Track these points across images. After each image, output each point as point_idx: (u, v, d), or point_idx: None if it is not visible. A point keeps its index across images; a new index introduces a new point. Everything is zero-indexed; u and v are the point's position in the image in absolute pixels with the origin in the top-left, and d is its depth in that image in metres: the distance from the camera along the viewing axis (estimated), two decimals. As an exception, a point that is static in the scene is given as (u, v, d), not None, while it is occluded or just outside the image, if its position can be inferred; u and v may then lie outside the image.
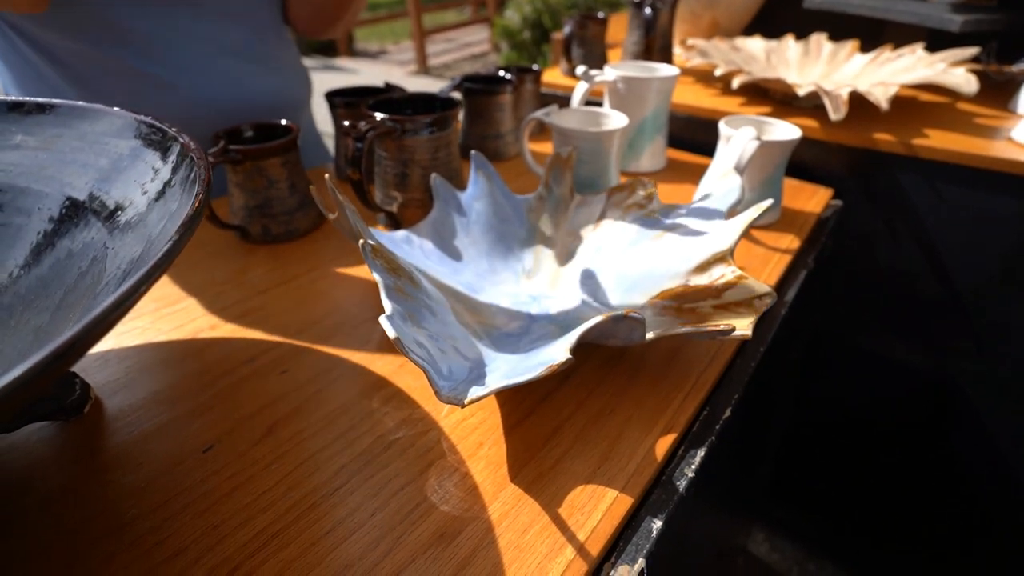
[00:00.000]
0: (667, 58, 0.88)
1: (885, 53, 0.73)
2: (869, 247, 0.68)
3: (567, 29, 0.82)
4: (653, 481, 0.28)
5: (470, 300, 0.38)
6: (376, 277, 0.27)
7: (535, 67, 0.73)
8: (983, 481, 0.72)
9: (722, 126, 0.50)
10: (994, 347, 0.65)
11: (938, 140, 0.59)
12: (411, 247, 0.41)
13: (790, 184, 0.60)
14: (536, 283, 0.41)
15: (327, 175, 0.33)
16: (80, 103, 0.29)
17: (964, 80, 0.58)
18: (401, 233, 0.42)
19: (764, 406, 0.51)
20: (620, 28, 1.21)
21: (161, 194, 0.24)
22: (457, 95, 0.59)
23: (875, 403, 0.77)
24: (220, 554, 0.23)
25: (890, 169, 0.62)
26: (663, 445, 0.29)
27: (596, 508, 0.26)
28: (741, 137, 0.46)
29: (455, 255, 0.42)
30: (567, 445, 0.29)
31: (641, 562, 0.24)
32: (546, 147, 0.70)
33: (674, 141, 0.73)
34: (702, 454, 0.30)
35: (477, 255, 0.42)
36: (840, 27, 0.88)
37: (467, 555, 0.24)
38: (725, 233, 0.36)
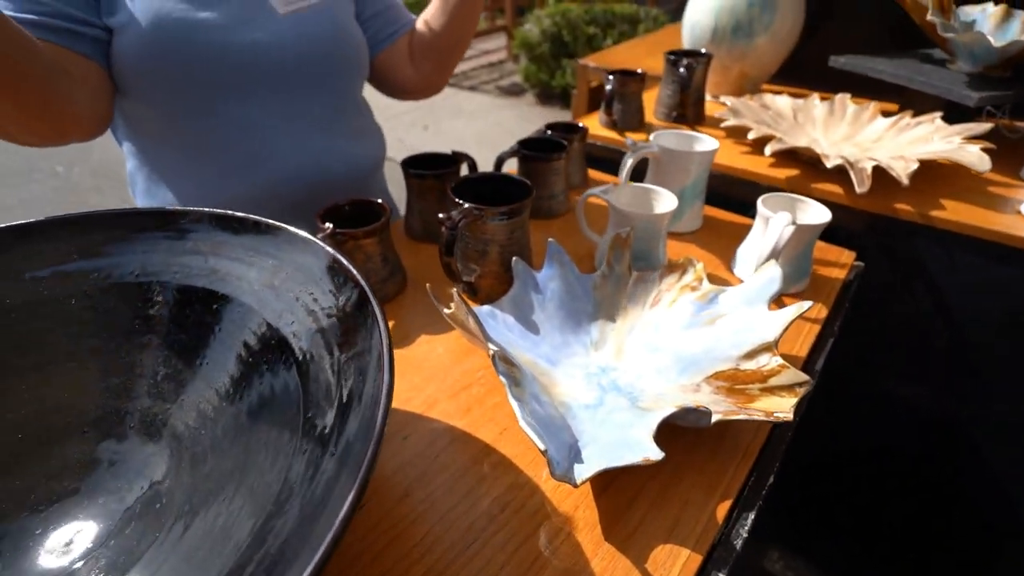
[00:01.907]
0: (700, 111, 0.95)
1: (905, 119, 0.79)
2: (885, 299, 0.74)
3: (608, 87, 0.89)
4: (716, 541, 0.35)
5: (552, 374, 0.45)
6: (503, 380, 0.34)
7: (581, 124, 0.80)
8: (989, 516, 0.78)
9: (760, 207, 0.57)
10: (1000, 394, 0.71)
11: (953, 211, 0.66)
12: (495, 322, 0.48)
13: (816, 246, 0.67)
14: (603, 355, 0.48)
15: (428, 285, 0.40)
16: (297, 232, 0.36)
17: (978, 159, 0.65)
18: (486, 308, 0.49)
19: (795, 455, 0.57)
20: (634, 53, 1.27)
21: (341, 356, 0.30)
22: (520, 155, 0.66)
23: (887, 441, 0.83)
24: (392, 598, 0.31)
25: (908, 235, 0.68)
26: (722, 510, 0.36)
27: (675, 564, 0.33)
28: (778, 222, 0.53)
29: (533, 329, 0.49)
30: (645, 509, 0.36)
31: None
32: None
33: (708, 195, 0.79)
34: (752, 517, 0.37)
35: (551, 329, 0.49)
36: (860, 80, 0.93)
37: (580, 603, 0.31)
38: (770, 326, 0.42)
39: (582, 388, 0.45)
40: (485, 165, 0.72)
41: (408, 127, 3.38)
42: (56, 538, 0.31)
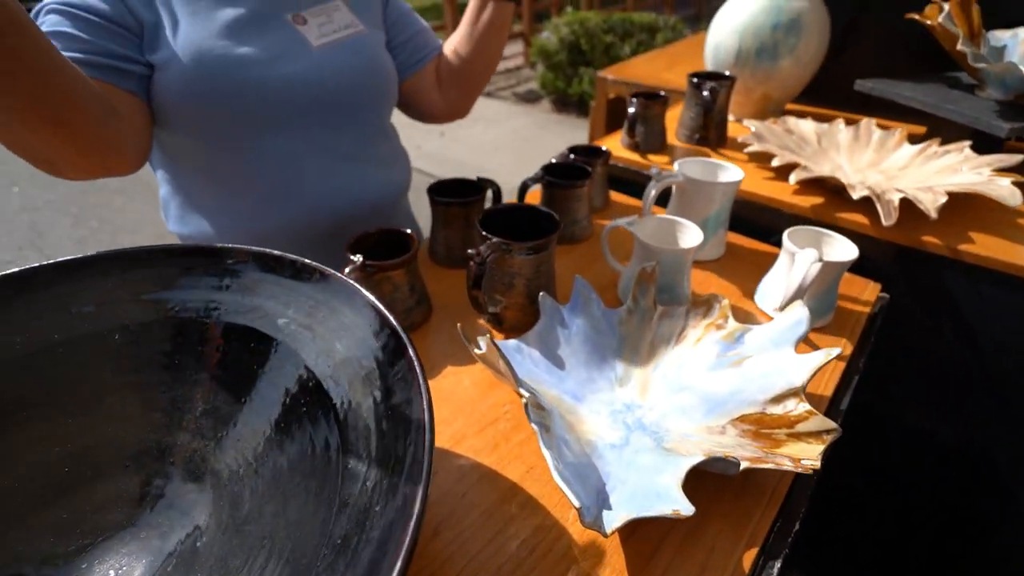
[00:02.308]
0: (723, 134, 0.95)
1: (933, 147, 0.78)
2: (911, 331, 0.73)
3: (632, 109, 0.90)
4: (742, 591, 0.35)
5: (577, 411, 0.46)
6: (535, 427, 0.35)
7: (604, 148, 0.80)
8: (1016, 549, 0.77)
9: (786, 241, 0.57)
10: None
11: (982, 244, 0.65)
12: (522, 356, 0.49)
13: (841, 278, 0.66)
14: (628, 391, 0.48)
15: (459, 325, 0.41)
16: (342, 279, 0.37)
17: (1009, 193, 0.64)
18: (513, 343, 0.49)
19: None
20: (654, 66, 1.27)
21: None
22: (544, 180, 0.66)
23: (912, 474, 0.82)
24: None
25: (935, 267, 0.68)
26: (748, 557, 0.37)
27: (702, 616, 0.33)
28: (804, 259, 0.53)
29: (559, 364, 0.49)
30: (671, 555, 0.37)
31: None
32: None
33: (731, 221, 0.79)
34: (779, 565, 0.37)
35: (577, 364, 0.50)
36: (886, 101, 0.92)
37: (608, 654, 0.31)
38: (798, 370, 0.42)
39: (607, 426, 0.45)
40: (502, 172, 0.73)
41: (425, 133, 3.41)
42: (102, 573, 0.33)
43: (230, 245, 0.41)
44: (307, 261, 0.40)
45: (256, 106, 0.57)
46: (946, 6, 0.77)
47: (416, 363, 0.31)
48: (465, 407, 0.48)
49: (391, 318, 0.33)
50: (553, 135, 3.49)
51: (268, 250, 0.40)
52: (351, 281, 0.37)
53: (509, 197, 0.70)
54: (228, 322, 0.39)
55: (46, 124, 0.45)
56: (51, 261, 0.40)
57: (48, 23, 0.51)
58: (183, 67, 0.53)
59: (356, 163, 0.66)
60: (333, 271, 0.38)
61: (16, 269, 0.39)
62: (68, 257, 0.41)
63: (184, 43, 0.53)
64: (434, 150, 3.20)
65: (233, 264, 0.40)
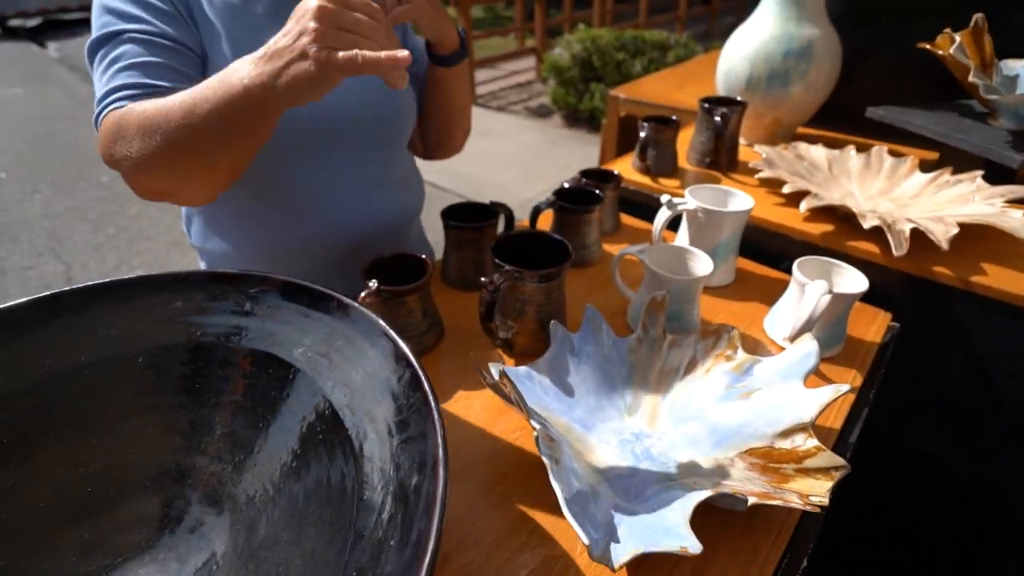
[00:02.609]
0: (733, 158, 0.96)
1: (945, 176, 0.79)
2: (922, 361, 0.73)
3: (643, 133, 0.91)
4: (749, 628, 0.36)
5: (586, 440, 0.46)
6: (545, 461, 0.36)
7: (615, 172, 0.81)
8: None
9: (796, 272, 0.57)
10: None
11: (994, 276, 0.65)
12: (532, 383, 0.50)
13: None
14: (637, 420, 0.49)
15: (473, 356, 0.42)
16: (365, 312, 0.38)
17: (1021, 225, 0.64)
18: (523, 369, 0.50)
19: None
20: (665, 86, 1.28)
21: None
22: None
23: (922, 506, 0.81)
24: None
25: (947, 297, 0.68)
26: (756, 594, 0.37)
27: (708, 653, 0.33)
28: (814, 291, 0.53)
29: (568, 391, 0.50)
30: (679, 590, 0.37)
31: None
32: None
33: (741, 246, 0.80)
34: (787, 603, 0.37)
35: (586, 392, 0.50)
36: (895, 128, 0.93)
37: None
38: (806, 405, 0.43)
39: (616, 455, 0.45)
40: (513, 186, 0.75)
41: (437, 147, 3.44)
42: (121, 594, 0.34)
43: (252, 272, 0.43)
44: (325, 290, 0.41)
45: (286, 135, 0.58)
46: (957, 37, 0.78)
47: (431, 397, 0.31)
48: (476, 434, 0.48)
49: (407, 350, 0.34)
50: (564, 150, 3.52)
51: (288, 278, 0.42)
52: (368, 311, 0.38)
53: (520, 211, 0.71)
54: (249, 348, 0.40)
55: (238, 171, 0.51)
56: (82, 285, 0.42)
57: (129, 53, 0.52)
58: None
59: (377, 187, 0.68)
60: (351, 300, 0.39)
61: (49, 292, 0.40)
62: (99, 281, 0.42)
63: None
64: (445, 164, 3.21)
65: (255, 291, 0.41)
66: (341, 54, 0.40)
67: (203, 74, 0.56)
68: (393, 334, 0.36)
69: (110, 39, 0.53)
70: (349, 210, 0.66)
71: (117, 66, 0.52)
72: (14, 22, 7.63)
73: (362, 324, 0.38)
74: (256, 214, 0.63)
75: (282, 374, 0.39)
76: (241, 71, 0.43)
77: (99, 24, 0.53)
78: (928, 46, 0.82)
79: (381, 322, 0.37)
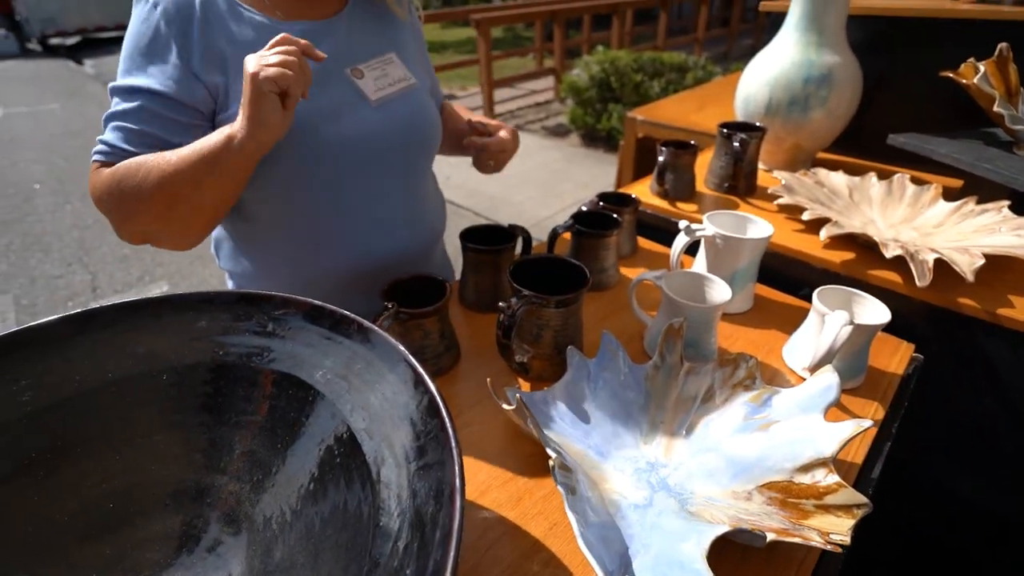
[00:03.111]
0: (752, 184, 0.96)
1: (970, 205, 0.78)
2: (945, 393, 0.71)
3: (661, 158, 0.91)
4: (767, 670, 0.35)
5: (601, 468, 0.46)
6: (560, 490, 0.36)
7: (633, 196, 0.82)
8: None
9: (816, 302, 0.56)
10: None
11: (1021, 308, 0.64)
12: (547, 407, 0.50)
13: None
14: (653, 448, 0.48)
15: (488, 380, 0.42)
16: (385, 336, 0.38)
17: (1048, 258, 0.63)
18: (539, 394, 0.50)
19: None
20: (683, 108, 1.28)
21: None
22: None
23: (946, 540, 0.79)
24: None
25: (971, 329, 0.66)
26: (774, 635, 0.36)
27: None
28: (834, 322, 0.52)
29: (584, 417, 0.50)
30: (695, 628, 0.36)
31: None
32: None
33: (760, 272, 0.79)
34: (807, 645, 0.36)
35: (603, 418, 0.50)
36: (917, 155, 0.92)
37: None
38: (827, 440, 0.42)
39: (631, 485, 0.45)
40: (530, 204, 0.76)
41: (454, 165, 3.48)
42: (139, 612, 0.34)
43: (276, 293, 0.44)
44: (346, 313, 0.41)
45: (311, 161, 0.60)
46: (982, 66, 0.77)
47: (449, 424, 0.32)
48: (489, 458, 0.48)
49: (426, 376, 0.35)
50: (581, 169, 3.54)
51: (312, 300, 0.42)
52: (388, 336, 0.38)
53: (536, 229, 0.72)
54: (271, 369, 0.41)
55: (214, 223, 0.60)
56: (113, 302, 0.43)
57: (138, 118, 0.55)
58: None
59: (402, 209, 0.68)
60: (372, 325, 0.40)
61: (80, 310, 0.42)
62: (129, 299, 0.43)
63: None
64: (463, 181, 3.27)
65: (279, 313, 0.42)
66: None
67: (213, 121, 0.59)
68: (412, 360, 0.36)
69: (120, 92, 0.56)
70: (378, 236, 0.66)
71: (113, 123, 0.56)
72: (54, 41, 7.98)
73: (382, 348, 0.39)
74: (283, 240, 0.65)
75: (303, 396, 0.39)
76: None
77: (119, 71, 0.57)
78: (952, 74, 0.82)
79: (401, 347, 0.38)
